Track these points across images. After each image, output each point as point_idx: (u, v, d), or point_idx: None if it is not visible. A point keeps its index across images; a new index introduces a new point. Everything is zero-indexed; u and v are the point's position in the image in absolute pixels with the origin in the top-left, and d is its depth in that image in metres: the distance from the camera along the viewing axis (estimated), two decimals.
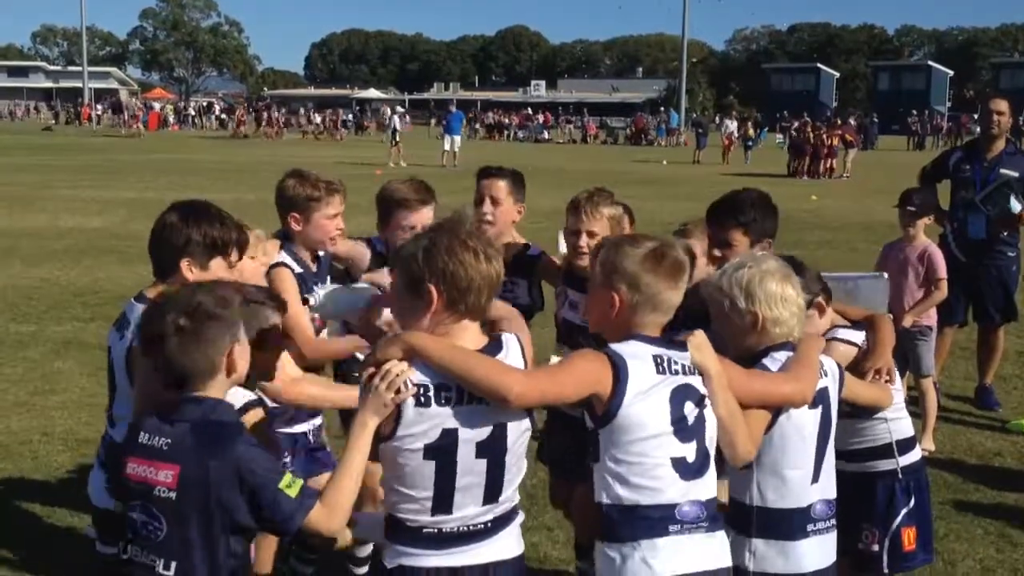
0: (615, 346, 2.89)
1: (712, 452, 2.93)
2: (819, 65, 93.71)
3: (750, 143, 43.28)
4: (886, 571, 3.82)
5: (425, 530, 2.77)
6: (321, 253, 4.49)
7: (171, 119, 63.59)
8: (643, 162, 38.61)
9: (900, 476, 3.80)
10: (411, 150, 38.45)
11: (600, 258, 3.00)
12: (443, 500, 2.75)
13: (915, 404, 7.13)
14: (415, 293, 2.76)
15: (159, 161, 34.66)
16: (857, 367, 3.59)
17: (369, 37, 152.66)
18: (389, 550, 2.82)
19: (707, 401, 2.91)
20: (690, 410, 2.87)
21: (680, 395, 2.86)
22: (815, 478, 3.19)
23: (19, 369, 8.52)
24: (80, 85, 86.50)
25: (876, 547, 3.78)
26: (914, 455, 3.88)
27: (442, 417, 2.71)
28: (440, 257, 2.73)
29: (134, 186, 24.81)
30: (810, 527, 3.17)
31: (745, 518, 3.15)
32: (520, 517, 2.93)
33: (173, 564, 2.67)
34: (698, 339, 2.95)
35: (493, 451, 2.76)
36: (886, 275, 4.60)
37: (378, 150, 39.18)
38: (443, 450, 2.72)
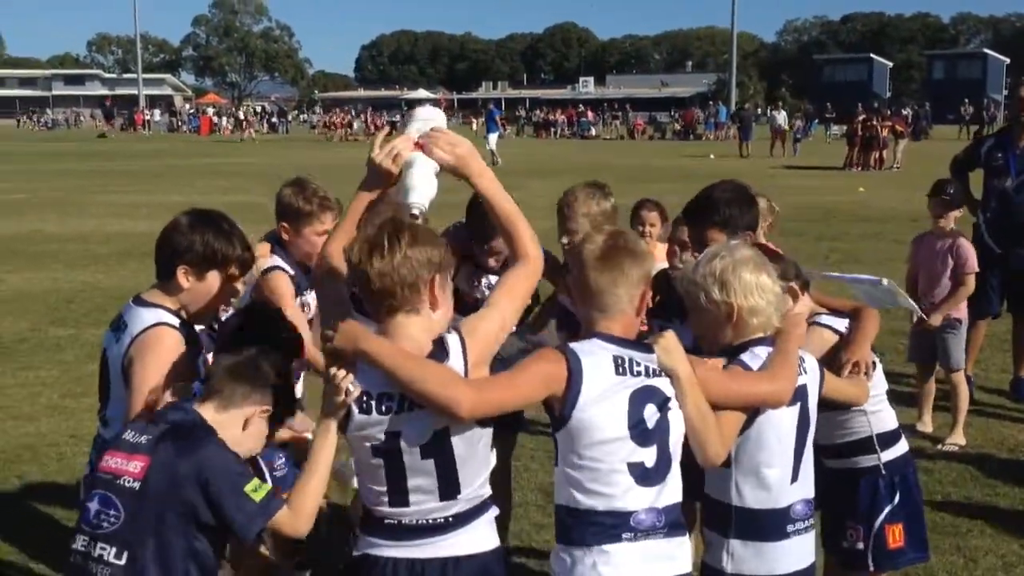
0: (575, 345, 2.84)
1: (676, 457, 2.85)
2: (871, 55, 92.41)
3: (799, 135, 42.76)
4: (872, 569, 3.71)
5: (387, 520, 2.80)
6: None
7: (224, 123, 64.35)
8: (690, 157, 38.28)
9: (883, 472, 3.68)
10: None
11: None
12: (398, 495, 2.77)
13: (947, 399, 7.01)
14: None
15: (211, 165, 35.06)
16: (834, 358, 3.47)
17: (418, 38, 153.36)
18: (359, 540, 2.87)
19: (672, 404, 2.82)
20: (651, 413, 2.78)
21: (641, 398, 2.78)
22: (795, 477, 3.10)
23: (54, 372, 8.66)
24: (136, 92, 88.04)
25: (860, 545, 3.68)
26: (898, 449, 3.77)
27: (384, 423, 2.72)
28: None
29: (183, 190, 25.06)
30: (790, 528, 3.09)
31: (724, 518, 3.08)
32: (491, 512, 2.89)
33: (125, 553, 2.69)
34: (667, 341, 2.86)
35: (440, 453, 2.73)
36: (885, 281, 4.46)
37: None
38: (389, 451, 2.74)
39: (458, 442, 2.73)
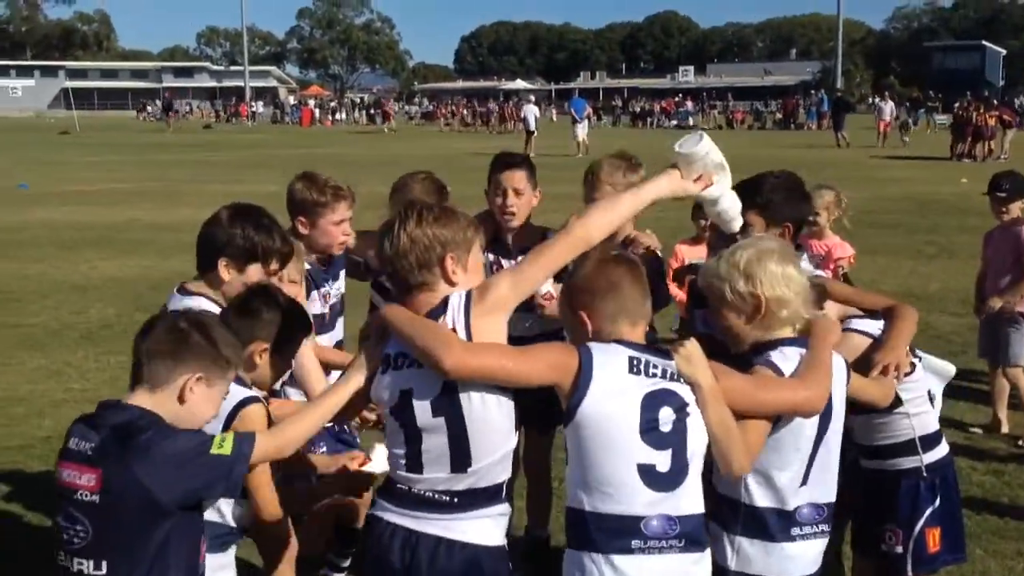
0: (591, 343, 2.81)
1: (696, 465, 2.77)
2: (984, 42, 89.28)
3: (906, 125, 41.54)
4: (910, 574, 3.56)
5: (399, 486, 2.86)
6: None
7: (318, 115, 65.71)
8: (786, 147, 37.49)
9: (925, 474, 3.53)
10: (546, 140, 38.40)
11: None
12: (413, 459, 2.82)
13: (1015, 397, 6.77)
14: None
15: (309, 156, 35.61)
16: (866, 361, 3.31)
17: (517, 28, 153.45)
18: (375, 501, 2.96)
19: (691, 410, 2.73)
20: (667, 416, 2.71)
21: (657, 400, 2.71)
22: (804, 480, 2.99)
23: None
24: (242, 84, 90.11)
25: (900, 548, 3.54)
26: (940, 451, 3.62)
27: (399, 380, 2.80)
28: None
29: (277, 179, 25.35)
30: (794, 531, 2.99)
31: (732, 514, 3.00)
32: (501, 507, 2.86)
33: (104, 563, 2.61)
34: (688, 350, 2.78)
35: (449, 411, 2.75)
36: None
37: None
38: (403, 411, 2.80)
39: (465, 399, 2.75)
